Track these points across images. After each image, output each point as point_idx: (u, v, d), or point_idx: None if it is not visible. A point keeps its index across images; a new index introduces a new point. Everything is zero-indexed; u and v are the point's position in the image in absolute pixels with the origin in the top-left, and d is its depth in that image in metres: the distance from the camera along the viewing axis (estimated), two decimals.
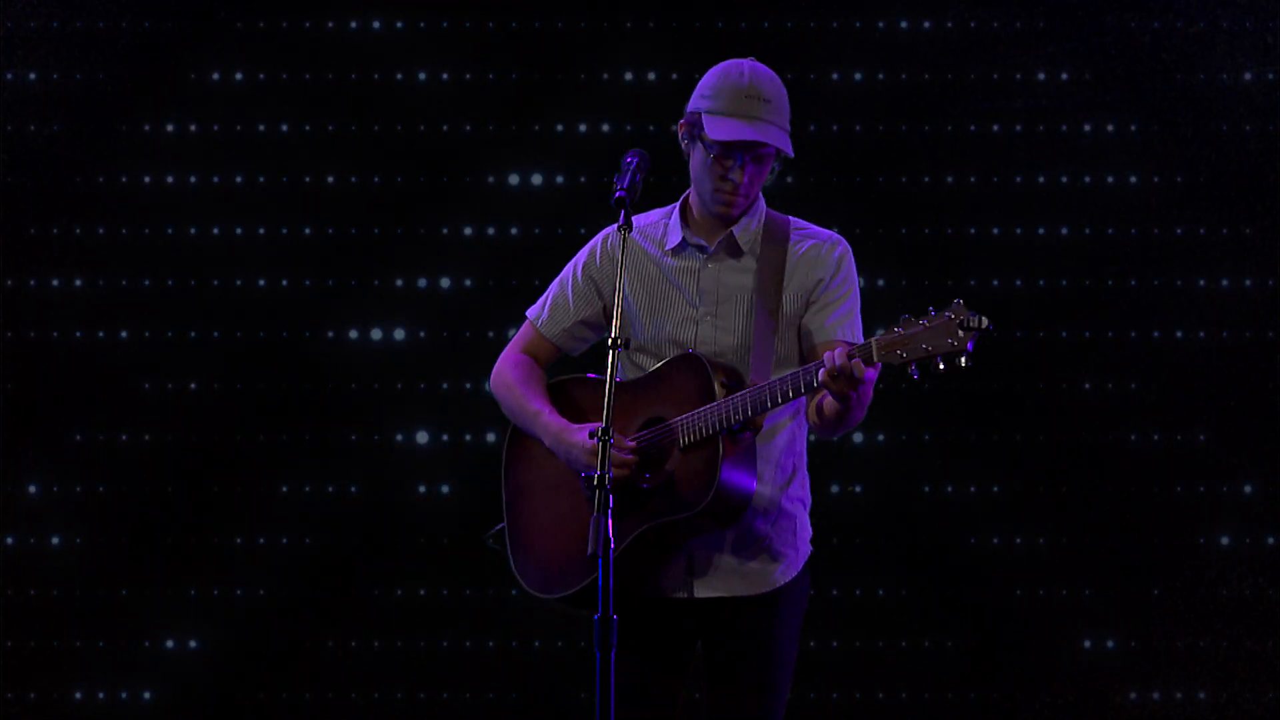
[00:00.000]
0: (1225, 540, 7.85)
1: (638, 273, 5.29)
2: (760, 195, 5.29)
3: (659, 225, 5.32)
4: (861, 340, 5.22)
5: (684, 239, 5.26)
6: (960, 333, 4.86)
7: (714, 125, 5.13)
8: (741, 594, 5.22)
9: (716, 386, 5.08)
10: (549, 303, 5.39)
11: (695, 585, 5.21)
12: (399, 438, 7.95)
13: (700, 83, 5.22)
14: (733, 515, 5.08)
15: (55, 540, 7.90)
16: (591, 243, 5.39)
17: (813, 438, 5.34)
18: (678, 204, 5.33)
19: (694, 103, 5.21)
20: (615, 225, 5.21)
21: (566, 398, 5.31)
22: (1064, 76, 7.89)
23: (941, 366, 4.87)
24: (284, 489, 7.95)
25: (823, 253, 5.27)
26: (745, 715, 5.19)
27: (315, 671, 7.93)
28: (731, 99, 5.14)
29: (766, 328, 5.20)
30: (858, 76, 7.92)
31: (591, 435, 5.03)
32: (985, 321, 4.86)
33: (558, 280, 5.40)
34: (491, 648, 7.93)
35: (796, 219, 5.32)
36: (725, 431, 5.04)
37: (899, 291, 7.89)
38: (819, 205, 7.88)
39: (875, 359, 4.90)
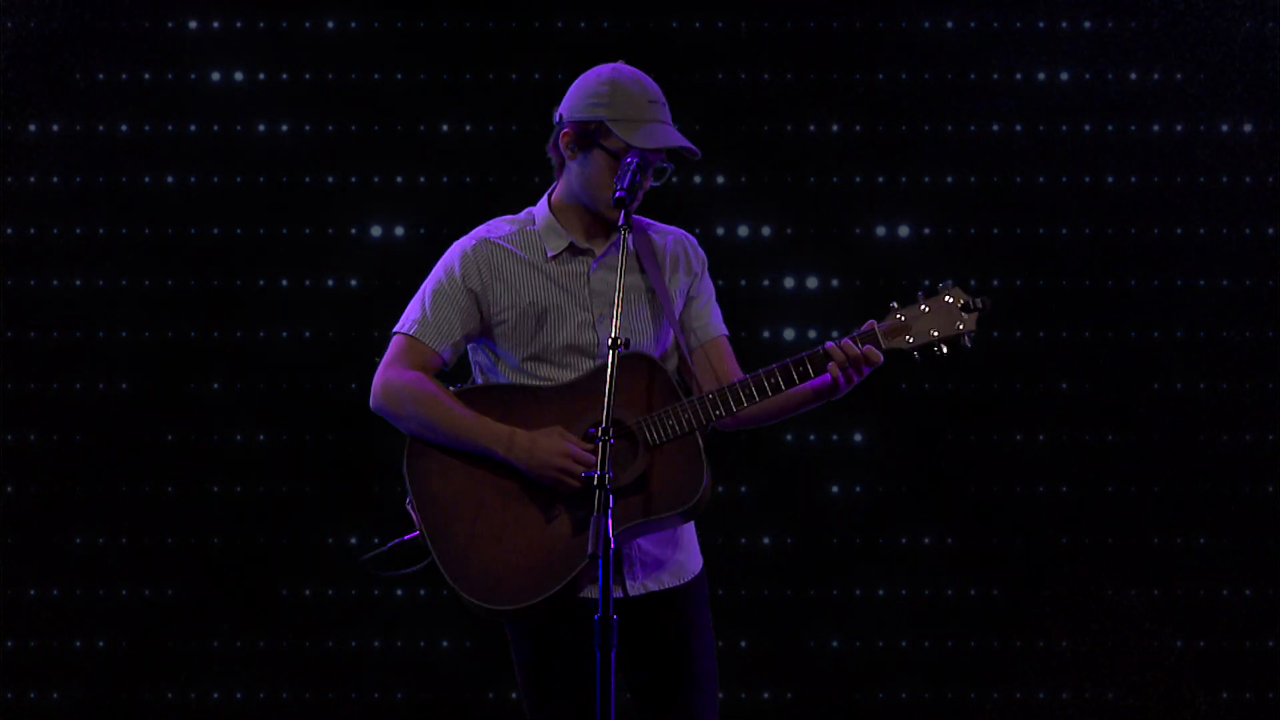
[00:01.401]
0: (1224, 540, 7.86)
1: (520, 281, 5.23)
2: None
3: (522, 234, 5.26)
4: (726, 330, 5.31)
5: (571, 244, 5.24)
6: (965, 315, 4.91)
7: (632, 133, 5.10)
8: (670, 586, 5.24)
9: (677, 383, 5.10)
10: (428, 314, 5.23)
11: (629, 584, 5.21)
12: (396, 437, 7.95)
13: (576, 90, 5.19)
14: (703, 507, 5.09)
15: (55, 540, 7.91)
16: (458, 252, 5.27)
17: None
18: (539, 210, 5.29)
19: (582, 112, 5.15)
20: (473, 236, 5.23)
21: (481, 407, 5.17)
22: (1063, 77, 7.90)
23: (945, 350, 4.89)
24: (284, 489, 7.96)
25: (687, 248, 5.33)
26: (692, 707, 5.18)
27: (314, 672, 7.94)
28: (634, 105, 5.13)
29: (669, 322, 5.23)
30: (857, 76, 7.93)
31: (590, 437, 5.01)
32: (986, 302, 4.91)
33: (429, 293, 5.25)
34: (491, 648, 7.93)
35: (641, 216, 5.32)
36: (703, 427, 5.05)
37: (895, 291, 7.88)
38: (816, 203, 7.90)
39: (883, 346, 4.94)
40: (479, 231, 5.29)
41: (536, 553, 5.08)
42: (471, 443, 5.12)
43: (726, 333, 5.33)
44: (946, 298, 4.92)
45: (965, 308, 4.90)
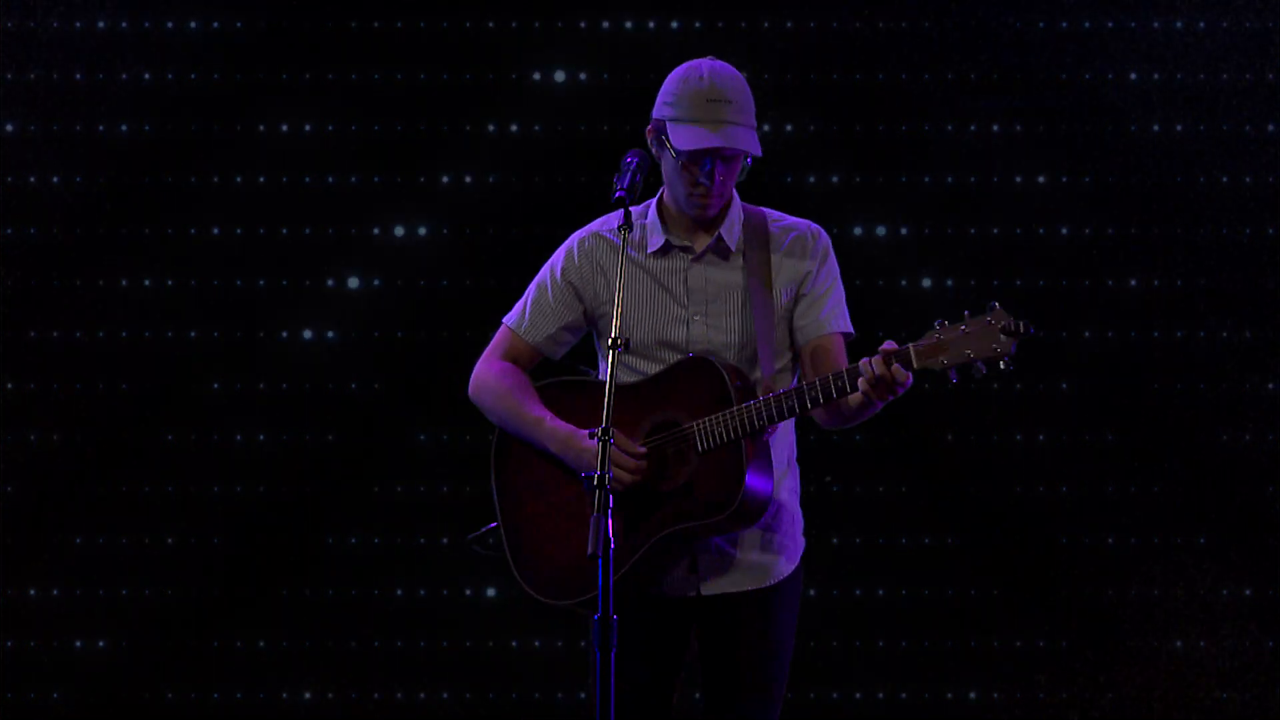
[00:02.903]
0: (1225, 540, 7.85)
1: (622, 275, 5.29)
2: (735, 191, 5.28)
3: (634, 228, 5.28)
4: (851, 329, 5.27)
5: (668, 241, 5.26)
6: (1003, 337, 4.85)
7: (678, 134, 5.11)
8: (748, 588, 5.23)
9: (732, 390, 5.07)
10: (528, 308, 5.36)
11: (702, 584, 5.21)
12: (396, 438, 7.95)
13: (662, 88, 5.21)
14: (755, 516, 5.09)
15: (55, 540, 7.91)
16: (565, 246, 5.36)
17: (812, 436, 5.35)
18: (652, 205, 5.31)
19: (658, 110, 5.20)
20: (587, 229, 5.30)
21: (557, 402, 5.29)
22: (1063, 77, 7.90)
23: (984, 370, 4.86)
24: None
25: (807, 244, 5.27)
26: (748, 711, 5.19)
27: (316, 672, 7.93)
28: (693, 105, 5.12)
29: (768, 323, 5.20)
30: (857, 77, 7.92)
31: (591, 436, 5.00)
32: (1028, 325, 4.85)
33: (534, 286, 5.37)
34: (491, 647, 7.93)
35: (770, 210, 5.33)
36: (749, 435, 5.04)
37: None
38: (829, 202, 7.89)
39: (915, 365, 4.89)
40: (594, 224, 5.34)
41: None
42: (535, 440, 5.24)
43: (840, 329, 5.26)
44: (988, 319, 4.88)
45: (1005, 330, 4.86)
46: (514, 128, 7.95)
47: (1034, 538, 7.88)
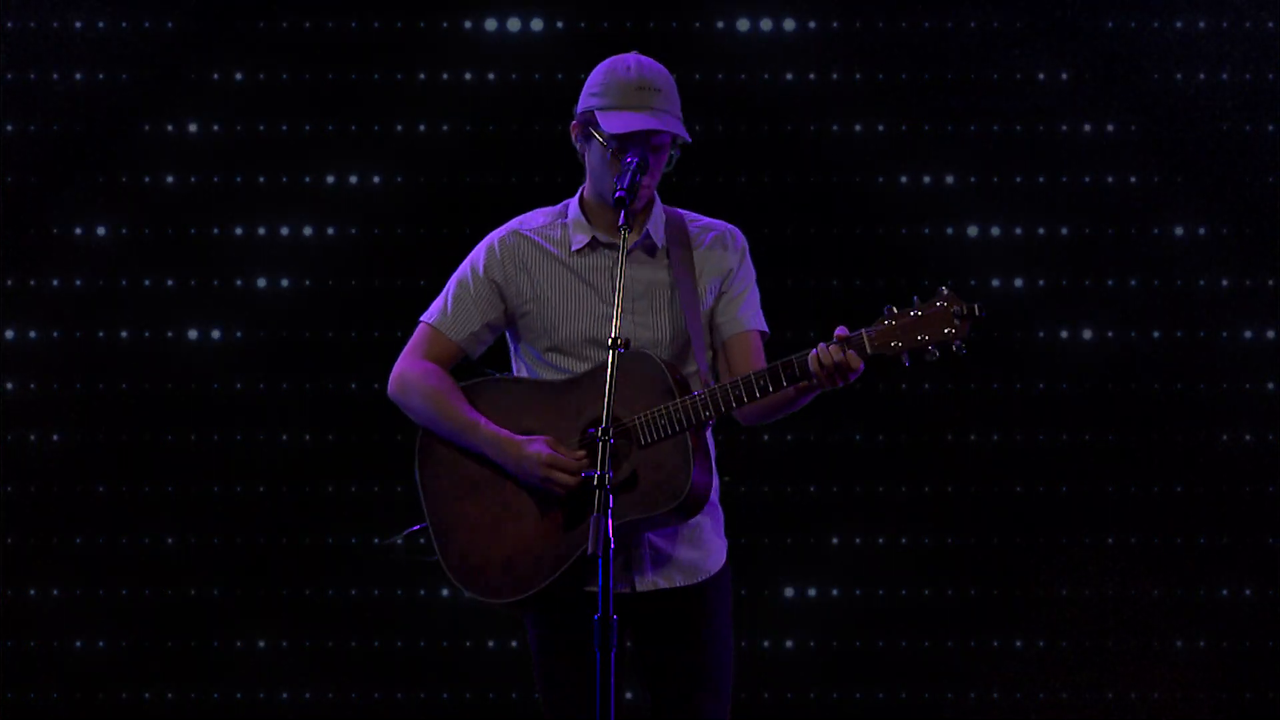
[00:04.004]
0: (1224, 540, 7.85)
1: (544, 274, 5.28)
2: (655, 191, 5.30)
3: (554, 226, 5.31)
4: (766, 328, 5.30)
5: (594, 238, 5.26)
6: (956, 321, 4.88)
7: (608, 120, 5.14)
8: (679, 584, 5.24)
9: (673, 383, 5.08)
10: (450, 306, 5.33)
11: (635, 579, 5.22)
12: (399, 438, 7.96)
13: (587, 81, 5.23)
14: (698, 508, 5.10)
15: (55, 540, 7.91)
16: (486, 243, 5.35)
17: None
18: (573, 203, 5.32)
19: (584, 102, 5.21)
20: (506, 227, 5.30)
21: (484, 402, 5.26)
22: (1064, 76, 7.90)
23: (936, 354, 4.88)
24: (283, 489, 7.96)
25: (726, 243, 5.30)
26: (703, 707, 5.19)
27: (316, 672, 7.93)
28: (623, 92, 5.14)
29: (697, 318, 5.22)
30: (857, 76, 7.92)
31: (583, 434, 5.01)
32: (980, 308, 4.88)
33: (453, 283, 5.35)
34: (491, 648, 7.93)
35: (688, 211, 5.35)
36: (692, 427, 5.05)
37: (899, 291, 7.88)
38: (805, 205, 7.89)
39: (869, 351, 4.91)
40: (512, 223, 5.36)
41: (531, 546, 5.12)
42: (470, 444, 5.21)
43: (755, 328, 5.30)
44: (939, 303, 4.90)
45: (958, 314, 4.89)
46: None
47: (1034, 537, 7.88)
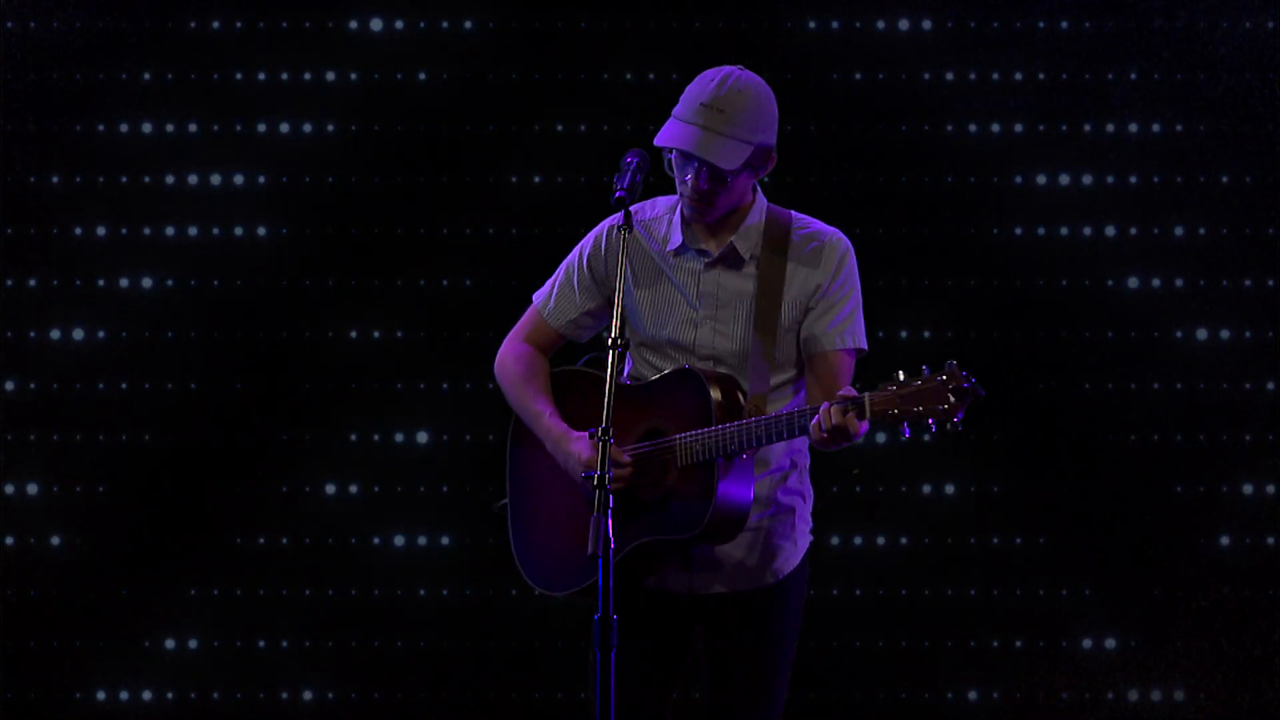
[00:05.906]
0: (1225, 540, 7.86)
1: (641, 269, 5.27)
2: (760, 193, 5.26)
3: (663, 220, 5.29)
4: (864, 344, 5.23)
5: (684, 242, 5.23)
6: (952, 398, 4.85)
7: (664, 126, 5.13)
8: (742, 588, 5.23)
9: (714, 406, 5.06)
10: (555, 291, 5.36)
11: (695, 581, 5.22)
12: (399, 438, 7.95)
13: None
14: (729, 533, 5.08)
15: (55, 541, 7.91)
16: (596, 231, 5.33)
17: None
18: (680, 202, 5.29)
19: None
20: (619, 214, 5.18)
21: (570, 390, 5.30)
22: (1063, 76, 7.90)
23: (934, 428, 4.88)
24: (284, 488, 7.96)
25: (824, 254, 5.21)
26: (746, 710, 5.19)
27: (316, 672, 7.93)
28: (686, 103, 5.11)
29: (766, 336, 5.18)
30: (857, 76, 7.92)
31: (592, 437, 5.00)
32: (977, 388, 4.87)
33: (563, 267, 5.36)
34: (492, 648, 7.93)
35: (799, 214, 5.27)
36: (724, 456, 5.03)
37: (900, 292, 7.89)
38: (818, 205, 7.89)
39: (868, 414, 4.89)
40: (633, 207, 5.20)
41: (580, 545, 5.10)
42: (535, 432, 5.29)
43: (841, 346, 5.21)
44: (941, 377, 4.89)
45: (955, 391, 4.87)
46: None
47: (1033, 537, 7.88)
